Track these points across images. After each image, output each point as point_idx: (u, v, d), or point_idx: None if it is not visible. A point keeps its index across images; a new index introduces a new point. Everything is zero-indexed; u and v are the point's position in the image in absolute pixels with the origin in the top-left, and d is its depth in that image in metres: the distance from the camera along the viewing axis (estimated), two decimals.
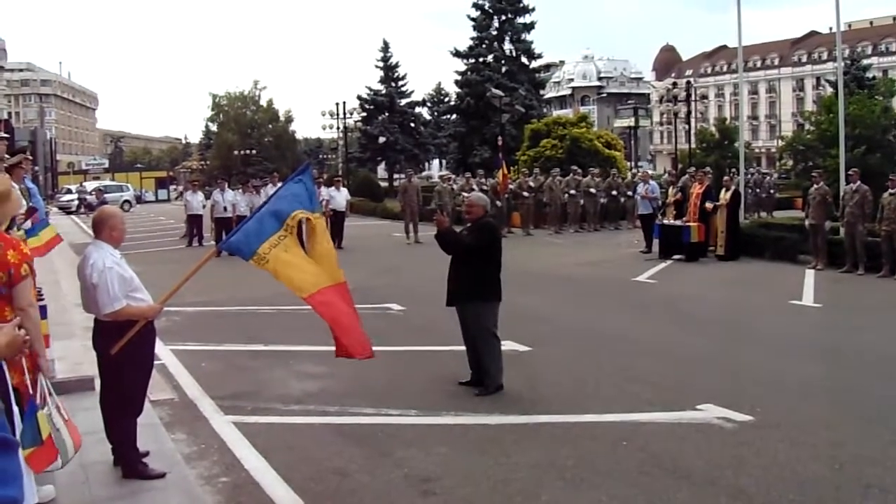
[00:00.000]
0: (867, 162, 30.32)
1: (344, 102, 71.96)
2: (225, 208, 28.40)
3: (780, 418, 8.92)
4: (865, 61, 79.94)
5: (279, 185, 28.40)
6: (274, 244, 7.32)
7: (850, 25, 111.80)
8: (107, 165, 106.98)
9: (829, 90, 62.19)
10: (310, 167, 8.51)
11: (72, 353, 10.80)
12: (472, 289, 10.10)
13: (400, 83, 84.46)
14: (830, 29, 78.14)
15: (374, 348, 12.74)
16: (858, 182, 20.60)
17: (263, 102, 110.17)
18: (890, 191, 19.59)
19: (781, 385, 10.44)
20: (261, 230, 7.39)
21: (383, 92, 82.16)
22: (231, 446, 8.25)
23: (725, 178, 25.27)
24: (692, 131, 59.16)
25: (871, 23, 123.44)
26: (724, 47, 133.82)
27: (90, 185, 67.27)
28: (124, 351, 6.89)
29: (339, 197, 29.63)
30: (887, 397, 9.86)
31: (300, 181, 7.92)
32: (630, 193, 34.42)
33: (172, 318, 14.71)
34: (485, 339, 10.12)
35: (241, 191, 31.24)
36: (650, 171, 42.28)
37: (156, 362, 8.13)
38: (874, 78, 70.74)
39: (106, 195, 55.16)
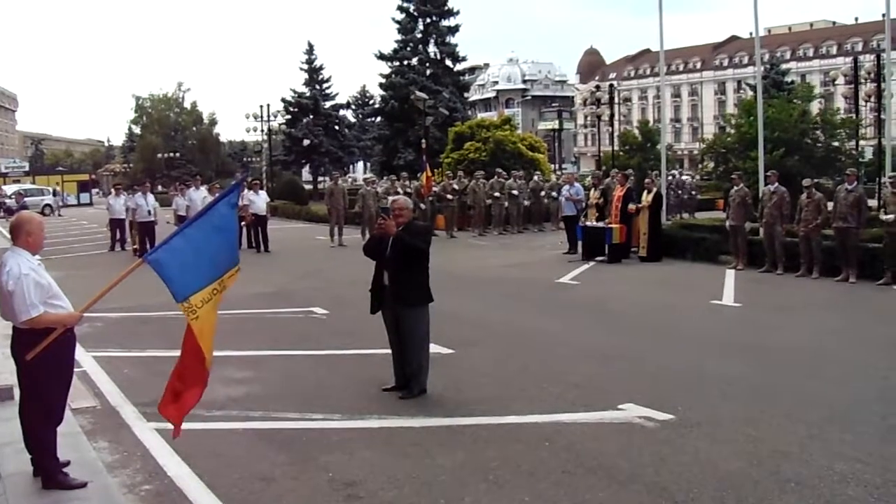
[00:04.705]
0: (785, 164, 30.76)
1: (268, 105, 71.73)
2: (149, 212, 28.06)
3: (701, 416, 9.06)
4: (784, 66, 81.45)
5: (202, 191, 28.23)
6: (207, 298, 7.06)
7: (769, 31, 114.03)
8: (27, 168, 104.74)
9: (750, 93, 63.14)
10: (241, 184, 8.29)
11: None
12: (414, 293, 10.07)
13: (324, 86, 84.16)
14: (750, 34, 79.39)
15: (299, 352, 12.85)
16: (777, 184, 20.98)
17: (187, 105, 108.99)
18: (806, 193, 19.98)
19: (702, 384, 10.60)
20: (198, 272, 7.12)
21: (308, 94, 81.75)
22: (154, 453, 8.18)
23: (647, 180, 25.51)
24: (615, 134, 59.69)
25: (789, 28, 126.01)
26: (648, 51, 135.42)
27: (9, 189, 66.08)
28: (42, 359, 6.80)
29: (259, 200, 29.43)
30: (804, 394, 10.05)
31: (233, 208, 7.67)
32: (554, 195, 34.70)
33: (94, 323, 14.56)
34: (419, 344, 10.13)
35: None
36: (577, 173, 42.60)
37: (77, 369, 8.05)
38: (793, 82, 72.09)
39: (26, 199, 54.27)
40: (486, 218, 34.38)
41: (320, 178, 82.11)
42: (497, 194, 34.05)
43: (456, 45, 67.78)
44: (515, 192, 34.40)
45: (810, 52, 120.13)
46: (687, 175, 50.61)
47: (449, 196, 34.04)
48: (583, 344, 13.35)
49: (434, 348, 10.86)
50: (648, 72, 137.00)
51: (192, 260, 7.09)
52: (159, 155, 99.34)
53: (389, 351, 10.44)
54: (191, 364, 7.26)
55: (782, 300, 17.57)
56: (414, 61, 67.29)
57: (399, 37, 67.44)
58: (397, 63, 67.62)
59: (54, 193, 70.79)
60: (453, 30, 67.31)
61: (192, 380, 7.33)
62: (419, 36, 67.19)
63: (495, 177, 34.94)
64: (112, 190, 34.91)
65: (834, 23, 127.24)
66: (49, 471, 7.02)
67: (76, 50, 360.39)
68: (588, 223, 25.10)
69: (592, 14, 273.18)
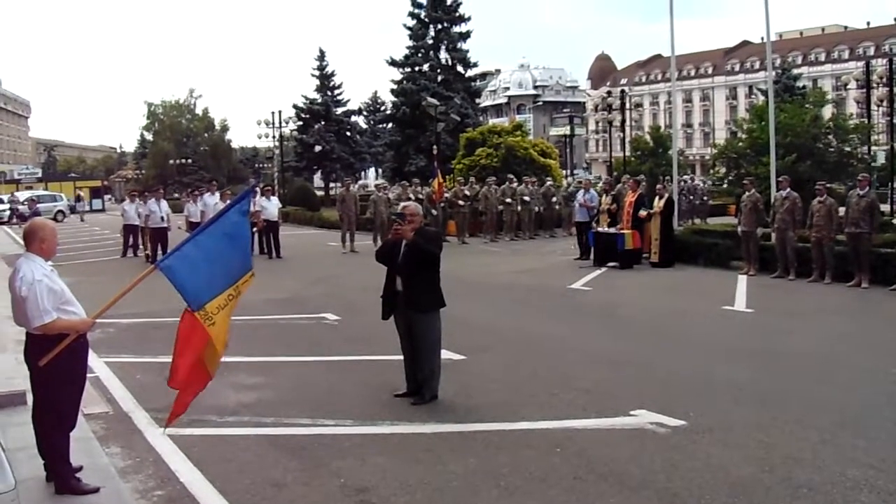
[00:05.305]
0: (797, 169, 30.69)
1: (280, 111, 71.92)
2: (162, 218, 28.14)
3: (713, 422, 9.05)
4: (795, 71, 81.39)
5: (217, 196, 28.21)
6: (222, 305, 7.08)
7: (780, 36, 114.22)
8: (40, 175, 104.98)
9: (762, 98, 63.07)
10: (252, 191, 8.25)
11: (4, 366, 10.66)
12: (427, 299, 10.10)
13: (336, 92, 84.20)
14: (762, 39, 79.47)
15: (311, 358, 12.86)
16: (788, 189, 20.93)
17: (199, 111, 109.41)
18: (819, 198, 19.94)
19: (714, 389, 10.59)
20: (212, 280, 7.15)
21: (319, 101, 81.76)
22: (166, 459, 8.20)
23: (659, 185, 25.48)
24: (627, 139, 59.66)
25: (801, 33, 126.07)
26: (659, 56, 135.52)
27: (23, 195, 66.23)
28: (55, 365, 6.82)
29: (271, 206, 29.53)
30: (816, 399, 10.03)
31: (244, 215, 7.64)
32: (565, 200, 34.84)
33: (107, 329, 14.60)
34: (431, 349, 10.14)
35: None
36: (592, 179, 42.59)
37: (90, 375, 8.07)
38: (804, 87, 71.90)
39: (39, 205, 54.43)
40: (497, 224, 34.42)
41: (332, 185, 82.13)
42: (508, 200, 34.07)
43: (467, 51, 67.85)
44: (527, 198, 34.41)
45: (822, 57, 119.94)
46: (700, 180, 50.46)
47: (460, 202, 34.04)
48: (594, 350, 13.34)
49: (445, 354, 10.88)
50: (660, 77, 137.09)
51: (205, 267, 7.10)
52: (171, 161, 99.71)
53: (401, 357, 10.45)
54: (193, 364, 7.27)
55: (794, 306, 17.54)
56: (425, 67, 67.34)
57: (410, 43, 67.51)
58: (409, 69, 67.66)
59: (78, 199, 71.03)
60: (464, 36, 67.36)
61: (195, 381, 7.39)
62: (430, 42, 67.24)
63: (506, 183, 34.96)
64: (127, 197, 35.01)
65: (846, 27, 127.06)
66: (62, 476, 7.03)
67: (89, 57, 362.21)
68: (600, 229, 25.08)
69: (604, 20, 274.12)
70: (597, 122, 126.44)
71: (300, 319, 16.39)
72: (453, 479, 7.58)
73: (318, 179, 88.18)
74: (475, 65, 69.27)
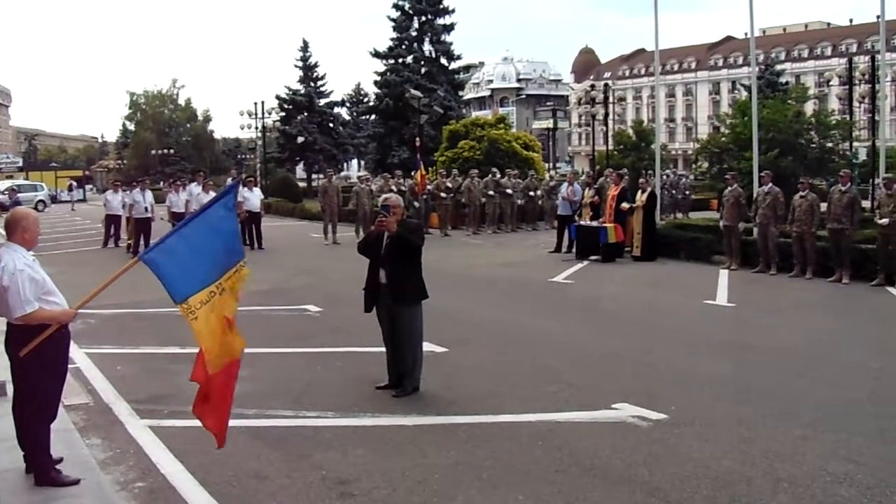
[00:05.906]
0: (780, 165, 30.88)
1: (262, 102, 71.63)
2: (146, 208, 27.96)
3: (694, 416, 9.07)
4: (779, 66, 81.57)
5: (199, 188, 27.99)
6: (205, 299, 6.92)
7: (764, 31, 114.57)
8: (21, 164, 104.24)
9: (745, 94, 63.27)
10: (237, 186, 8.12)
11: None
12: (411, 291, 10.12)
13: (319, 83, 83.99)
14: (745, 34, 79.70)
15: (292, 350, 12.83)
16: (771, 184, 20.98)
17: (182, 101, 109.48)
18: (801, 193, 20.02)
19: (695, 383, 10.61)
20: (196, 274, 6.99)
21: (302, 92, 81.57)
22: (147, 451, 8.17)
23: (642, 179, 25.53)
24: (610, 133, 59.77)
25: (784, 30, 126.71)
26: (642, 50, 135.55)
27: (3, 185, 65.84)
28: (37, 355, 6.77)
29: (253, 197, 29.48)
30: (798, 394, 10.06)
31: (231, 210, 7.51)
32: (547, 193, 34.89)
33: (87, 320, 14.51)
34: (415, 341, 10.17)
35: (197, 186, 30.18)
36: (575, 172, 42.66)
37: (70, 366, 8.01)
38: (787, 83, 72.21)
39: (19, 195, 54.09)
40: (480, 216, 34.39)
41: (314, 176, 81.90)
42: (491, 193, 34.06)
43: (451, 44, 67.93)
44: (509, 190, 34.43)
45: (805, 53, 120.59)
46: (682, 174, 50.60)
47: (443, 194, 34.02)
48: (576, 343, 13.35)
49: (427, 347, 10.86)
50: (643, 71, 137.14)
51: (190, 261, 6.97)
52: (153, 151, 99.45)
53: (383, 349, 10.43)
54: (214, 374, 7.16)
55: (775, 300, 17.58)
56: (409, 59, 67.39)
57: (394, 35, 67.51)
58: (392, 61, 67.67)
59: (70, 188, 70.89)
60: (448, 28, 67.40)
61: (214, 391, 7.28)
62: (414, 34, 67.24)
63: (489, 175, 34.97)
64: (111, 187, 34.86)
65: (829, 24, 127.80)
66: (42, 467, 6.99)
67: (70, 45, 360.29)
68: (583, 222, 25.11)
69: (587, 13, 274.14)
70: (580, 116, 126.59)
71: (282, 311, 16.32)
72: (435, 472, 7.57)
73: (300, 171, 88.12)
74: (459, 57, 69.42)
